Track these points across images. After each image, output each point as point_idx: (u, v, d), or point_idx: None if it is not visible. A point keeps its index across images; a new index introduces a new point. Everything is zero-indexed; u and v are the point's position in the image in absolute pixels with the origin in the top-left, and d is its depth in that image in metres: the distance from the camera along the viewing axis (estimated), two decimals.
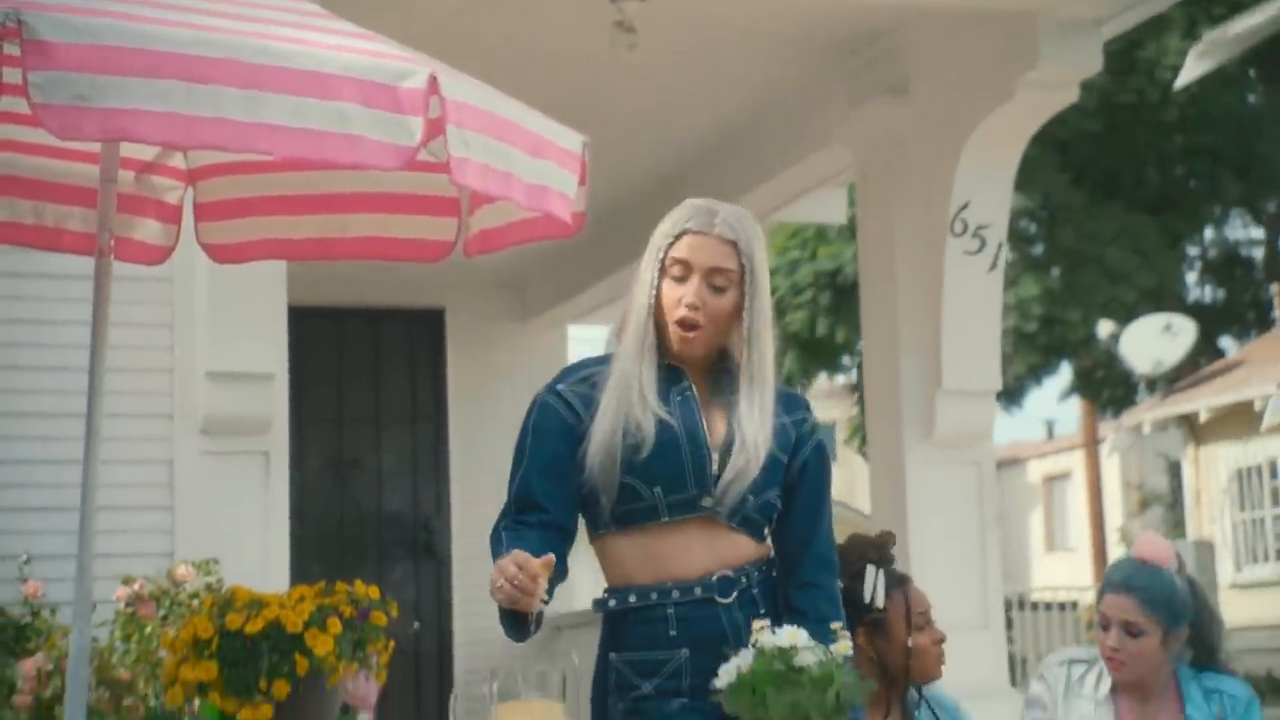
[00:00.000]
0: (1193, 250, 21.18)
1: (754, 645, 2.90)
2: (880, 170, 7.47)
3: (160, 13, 3.27)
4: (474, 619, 10.33)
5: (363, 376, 10.59)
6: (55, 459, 4.19)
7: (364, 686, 5.38)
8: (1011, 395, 21.74)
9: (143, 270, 4.58)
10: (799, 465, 3.22)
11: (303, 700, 4.17)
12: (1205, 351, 20.98)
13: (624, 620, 3.15)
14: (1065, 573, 29.03)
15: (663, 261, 3.19)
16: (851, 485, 29.07)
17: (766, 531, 3.23)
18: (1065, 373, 21.27)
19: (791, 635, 2.92)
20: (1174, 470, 23.64)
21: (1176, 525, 22.45)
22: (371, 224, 4.52)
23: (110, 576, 5.22)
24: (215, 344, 6.06)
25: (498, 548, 3.04)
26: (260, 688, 4.12)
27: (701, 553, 3.12)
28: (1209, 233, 21.26)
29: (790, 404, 3.25)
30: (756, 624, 2.95)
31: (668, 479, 3.11)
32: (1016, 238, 19.75)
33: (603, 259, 9.87)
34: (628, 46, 6.55)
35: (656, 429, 3.11)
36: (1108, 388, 20.99)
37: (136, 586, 5.20)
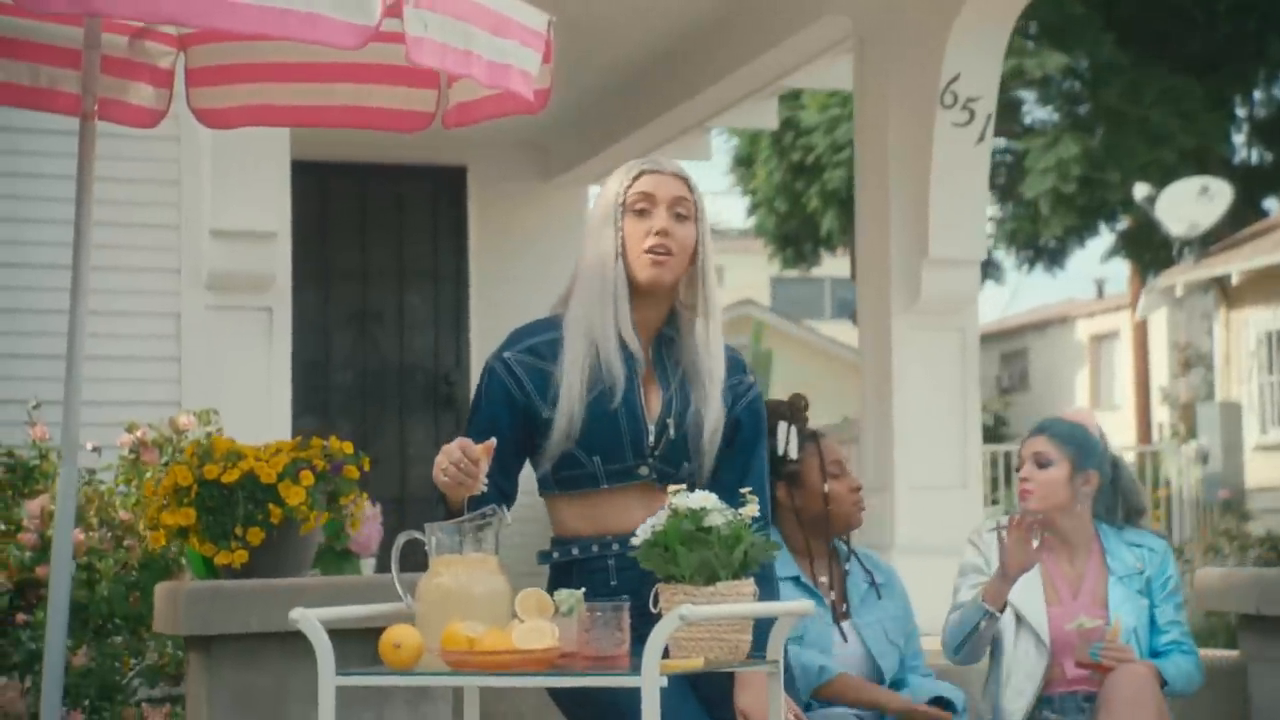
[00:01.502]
0: (1240, 112, 21.09)
1: (669, 507, 3.10)
2: (877, 38, 7.62)
3: None
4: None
5: (386, 232, 10.83)
6: (65, 308, 4.44)
7: (366, 531, 5.70)
8: (1052, 256, 21.84)
9: (154, 130, 4.76)
10: (732, 420, 3.37)
11: (276, 547, 4.40)
12: (1248, 214, 20.98)
13: (567, 572, 3.33)
14: (1110, 430, 29.24)
15: (624, 203, 3.33)
16: None
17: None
18: (1108, 234, 21.33)
19: (703, 498, 3.14)
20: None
21: None
22: (355, 93, 4.70)
23: (117, 423, 5.51)
24: (218, 202, 6.32)
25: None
26: (236, 533, 4.36)
27: (640, 511, 3.24)
28: (1258, 94, 21.14)
29: (732, 368, 3.41)
30: (672, 488, 3.13)
31: (606, 449, 3.29)
32: (1059, 97, 19.72)
33: (622, 120, 10.06)
34: None
35: (594, 397, 3.27)
36: (1149, 250, 21.04)
37: (139, 434, 5.45)
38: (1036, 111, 20.47)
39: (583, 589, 3.01)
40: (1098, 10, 18.29)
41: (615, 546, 3.30)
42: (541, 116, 10.72)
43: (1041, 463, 4.52)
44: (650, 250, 3.29)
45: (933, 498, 7.32)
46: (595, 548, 3.33)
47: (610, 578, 3.30)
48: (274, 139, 6.26)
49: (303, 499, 4.40)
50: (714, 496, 3.10)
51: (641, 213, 3.31)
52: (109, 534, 5.23)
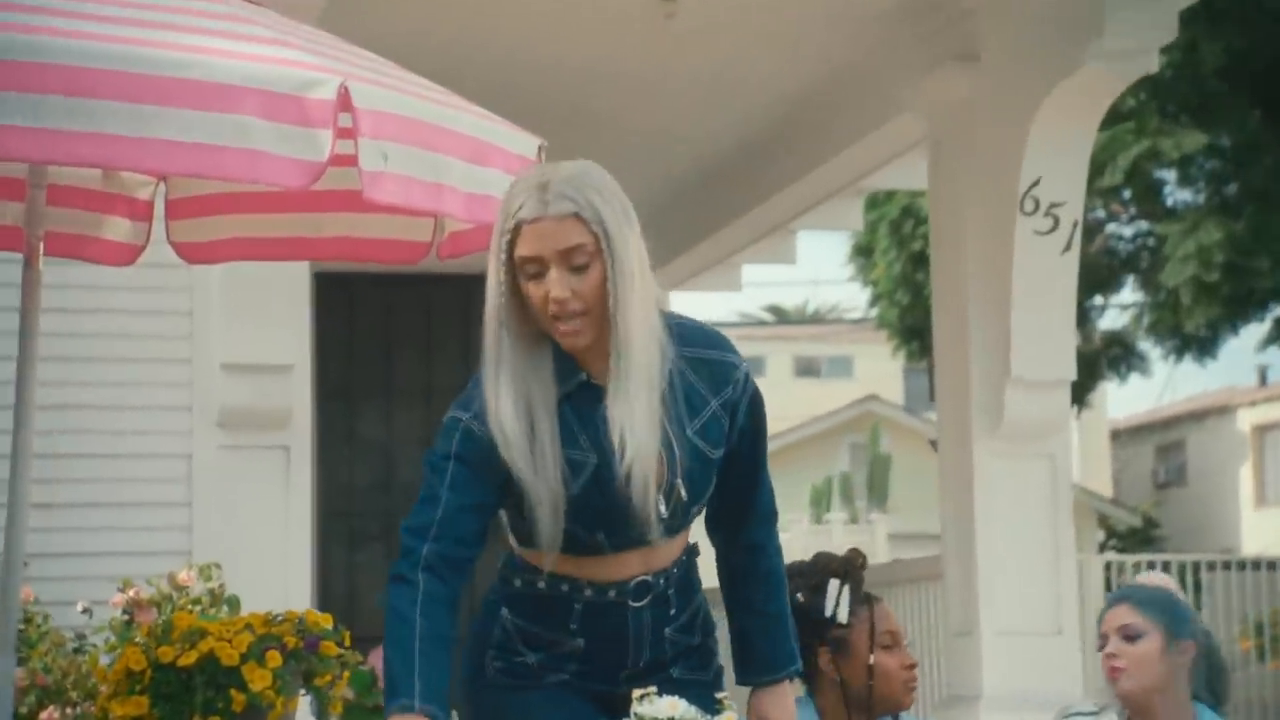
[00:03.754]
0: None
1: (634, 716, 2.86)
2: (952, 141, 7.43)
3: (45, 20, 3.32)
4: None
5: (451, 347, 10.71)
6: (49, 451, 4.33)
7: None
8: (1202, 345, 21.32)
9: (164, 254, 4.61)
10: (736, 433, 3.05)
11: None
12: None
13: (528, 596, 3.06)
14: (1276, 530, 28.45)
15: (507, 264, 2.92)
16: None
17: None
18: (1262, 321, 20.80)
19: (671, 706, 2.94)
20: None
21: None
22: (346, 224, 4.58)
23: (120, 577, 5.39)
24: (231, 334, 6.23)
25: (401, 602, 2.87)
26: None
27: (637, 566, 3.03)
28: None
29: (716, 375, 3.02)
30: (636, 693, 2.87)
31: (611, 524, 2.96)
32: (1202, 179, 19.32)
33: (698, 223, 9.92)
34: (666, 15, 6.56)
35: (590, 473, 2.92)
36: None
37: (133, 592, 5.31)
38: (1179, 193, 20.07)
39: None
40: (1240, 86, 17.90)
41: (588, 593, 3.01)
42: None
43: (1130, 635, 4.10)
44: (555, 319, 2.89)
45: (1023, 644, 6.99)
46: (564, 587, 3.02)
47: (572, 620, 3.03)
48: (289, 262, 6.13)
49: (269, 683, 4.20)
50: (682, 703, 2.83)
51: (534, 275, 2.89)
52: (91, 708, 5.07)
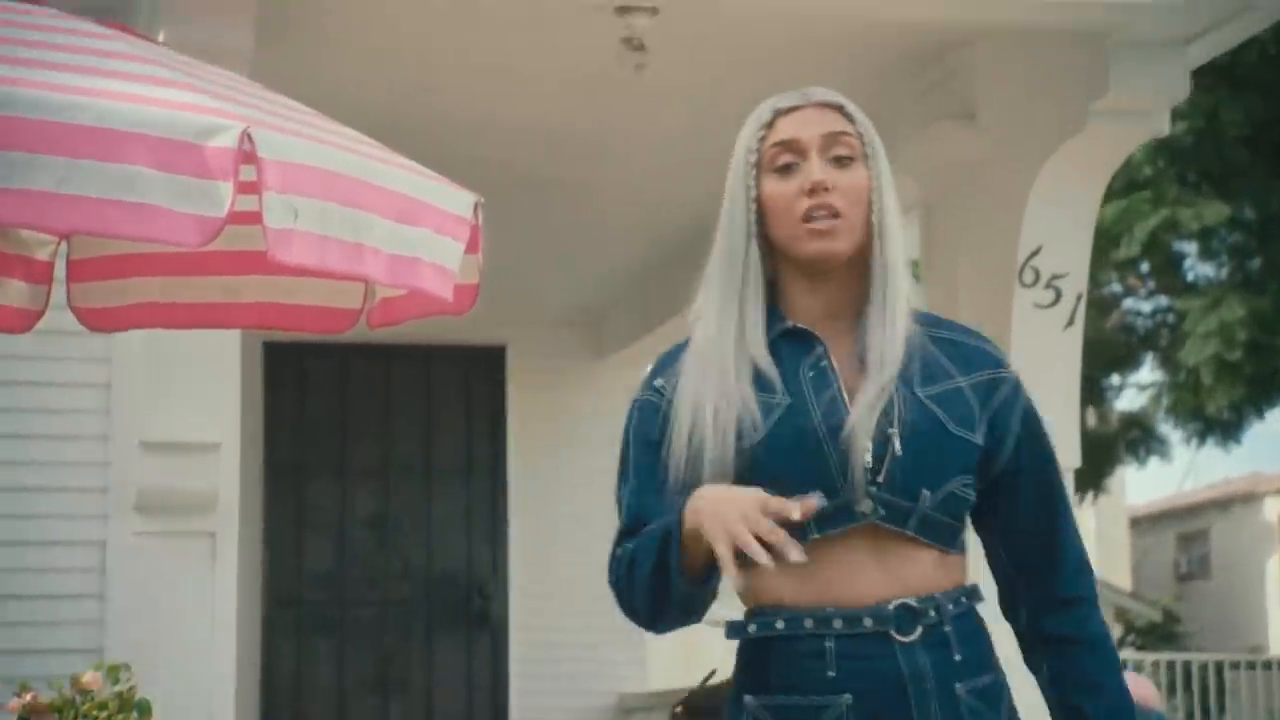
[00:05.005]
0: None
1: None
2: (946, 205, 7.29)
3: None
4: (533, 695, 10.22)
5: (412, 422, 10.53)
6: None
7: None
8: (1225, 429, 21.13)
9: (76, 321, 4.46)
10: (1008, 447, 2.71)
11: None
12: None
13: (766, 652, 2.65)
14: None
15: (758, 158, 2.70)
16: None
17: (960, 539, 2.72)
18: None
19: None
20: None
21: None
22: (266, 288, 4.43)
23: (15, 679, 5.19)
24: (152, 408, 5.99)
25: (636, 568, 2.64)
26: None
27: (874, 573, 2.63)
28: None
29: (971, 359, 2.73)
30: None
31: (810, 483, 2.58)
32: (1224, 252, 19.21)
33: (684, 290, 9.70)
34: (635, 67, 6.38)
35: (782, 415, 2.63)
36: None
37: (30, 696, 5.12)
38: (1200, 267, 19.96)
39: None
40: (1264, 155, 17.79)
41: (838, 623, 2.61)
42: (592, 287, 10.67)
43: None
44: (810, 211, 2.66)
45: None
46: (809, 622, 2.62)
47: (828, 666, 2.61)
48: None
49: None
50: None
51: (785, 169, 2.68)
52: None
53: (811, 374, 2.66)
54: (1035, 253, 6.71)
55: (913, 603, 2.62)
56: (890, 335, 2.65)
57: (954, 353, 2.73)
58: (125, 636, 5.90)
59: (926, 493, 2.62)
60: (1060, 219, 6.73)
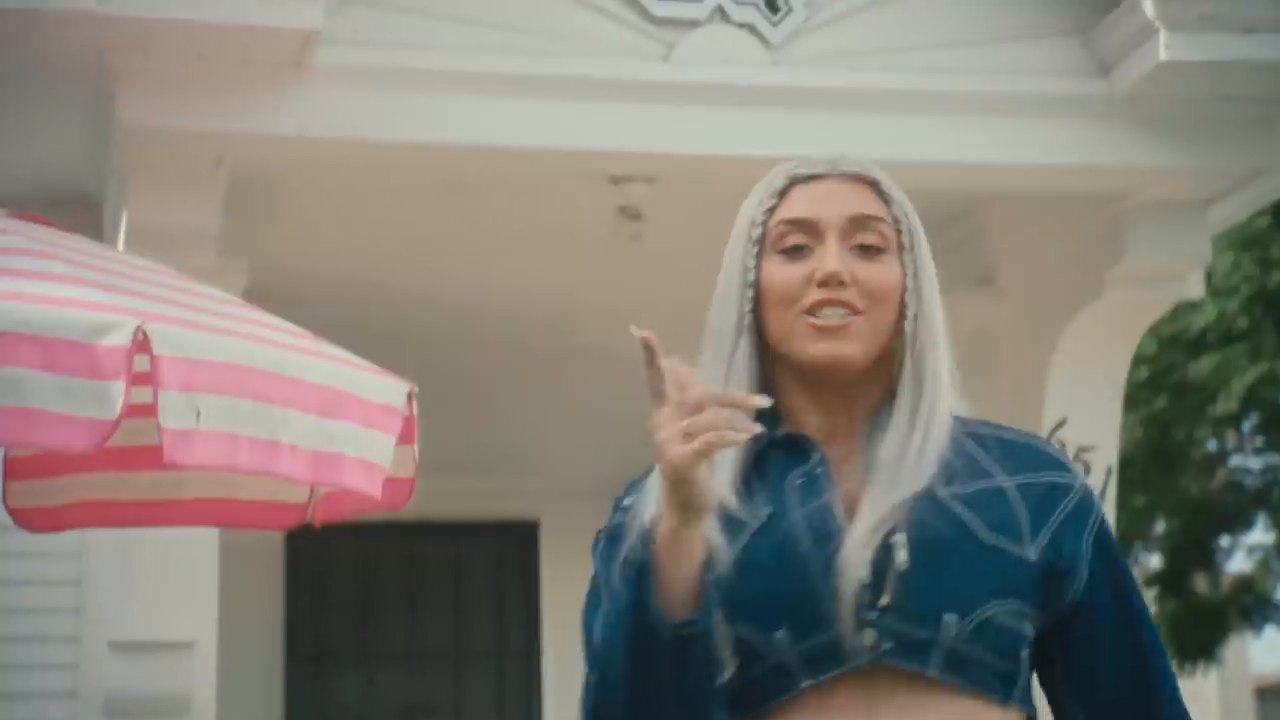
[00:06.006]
0: None
1: None
2: (968, 375, 7.13)
3: None
4: None
5: (441, 603, 10.46)
6: None
7: None
8: None
9: None
10: (1079, 575, 2.16)
11: None
12: None
13: None
14: None
15: (763, 233, 2.23)
16: None
17: (1020, 689, 2.13)
18: None
19: None
20: None
21: None
22: (209, 483, 4.39)
23: None
24: (123, 607, 5.94)
25: (609, 646, 2.16)
26: None
27: None
28: None
29: (1021, 457, 2.20)
30: None
31: (793, 613, 2.08)
32: None
33: None
34: (632, 235, 6.38)
35: (754, 534, 2.12)
36: None
37: None
38: None
39: None
40: None
41: None
42: (628, 460, 10.55)
43: None
44: (818, 304, 2.17)
45: None
46: None
47: None
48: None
49: None
50: None
51: (795, 251, 2.20)
52: None
53: (800, 481, 2.15)
54: (1060, 425, 6.60)
55: None
56: (918, 443, 2.14)
57: (999, 450, 2.19)
58: None
59: (951, 618, 2.06)
60: (1085, 389, 6.62)
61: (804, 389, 2.22)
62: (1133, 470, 15.09)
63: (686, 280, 7.52)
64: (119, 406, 3.13)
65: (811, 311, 2.17)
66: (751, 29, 5.87)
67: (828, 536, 2.09)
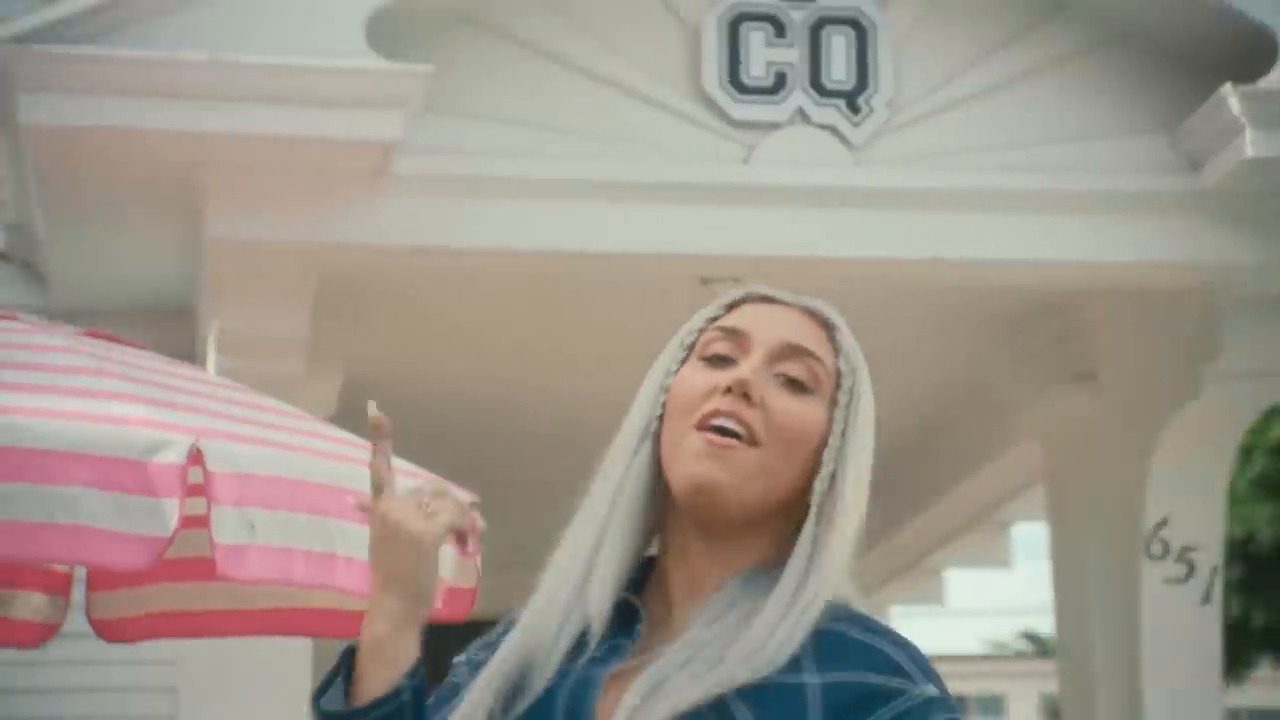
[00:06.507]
0: None
1: None
2: (1069, 470, 7.25)
3: None
4: None
5: None
6: None
7: None
8: None
9: None
10: None
11: None
12: None
13: None
14: None
15: (695, 340, 2.01)
16: None
17: None
18: None
19: None
20: None
21: None
22: (279, 595, 4.44)
23: None
24: (217, 713, 6.03)
25: None
26: None
27: None
28: None
29: (852, 656, 1.86)
30: None
31: None
32: None
33: None
34: None
35: (523, 712, 1.90)
36: None
37: None
38: None
39: None
40: None
41: None
42: None
43: None
44: (705, 422, 1.91)
45: None
46: None
47: None
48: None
49: None
50: None
51: (717, 361, 1.96)
52: None
53: (602, 651, 1.90)
54: (1162, 524, 6.55)
55: None
56: (777, 628, 1.85)
57: (829, 645, 1.86)
58: None
59: None
60: (1187, 487, 6.56)
61: (691, 532, 1.95)
62: None
63: None
64: (173, 523, 3.17)
65: (703, 425, 1.91)
66: (833, 130, 5.91)
67: (579, 714, 1.86)
